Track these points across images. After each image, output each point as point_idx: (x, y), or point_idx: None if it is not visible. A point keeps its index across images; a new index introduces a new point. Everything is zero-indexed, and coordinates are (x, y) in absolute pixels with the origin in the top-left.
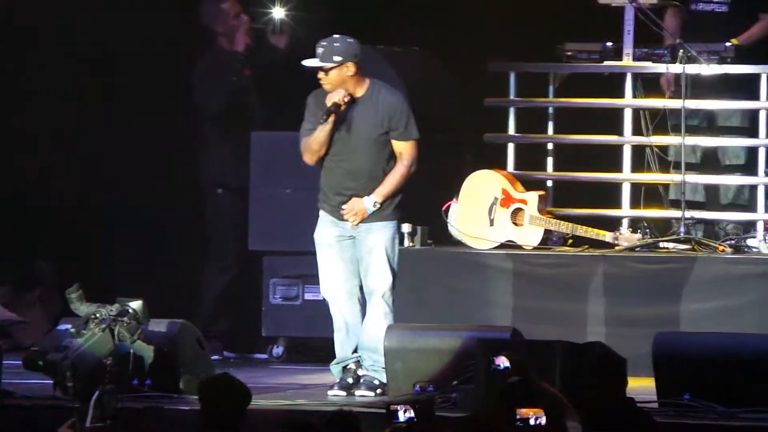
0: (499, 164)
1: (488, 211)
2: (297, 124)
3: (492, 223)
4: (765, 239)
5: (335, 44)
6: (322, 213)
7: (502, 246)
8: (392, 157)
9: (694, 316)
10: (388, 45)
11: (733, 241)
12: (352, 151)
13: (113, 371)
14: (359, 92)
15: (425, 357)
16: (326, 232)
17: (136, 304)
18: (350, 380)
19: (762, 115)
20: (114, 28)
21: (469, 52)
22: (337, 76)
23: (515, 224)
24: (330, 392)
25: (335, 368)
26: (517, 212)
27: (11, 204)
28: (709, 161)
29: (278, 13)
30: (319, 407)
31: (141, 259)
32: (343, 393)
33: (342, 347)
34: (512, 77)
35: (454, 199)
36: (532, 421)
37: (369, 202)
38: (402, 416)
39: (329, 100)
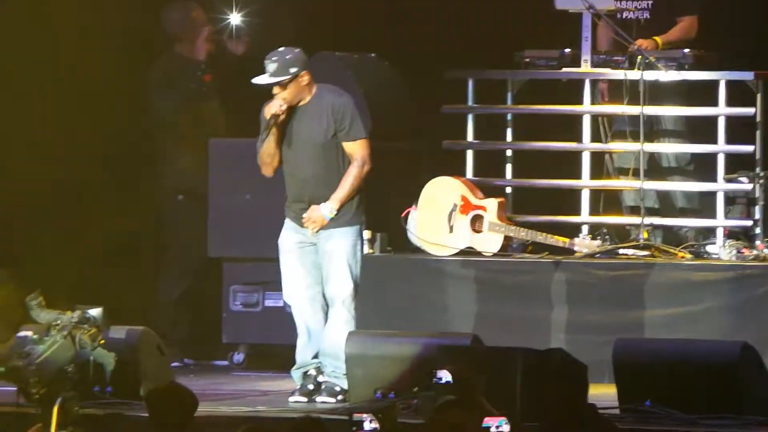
0: (458, 171)
1: (447, 217)
2: (256, 130)
3: (451, 230)
4: (724, 245)
5: (287, 56)
6: (286, 219)
7: (461, 253)
8: (347, 161)
9: (655, 323)
10: (345, 51)
11: (692, 248)
12: (303, 159)
13: (75, 378)
14: (307, 98)
15: (386, 363)
16: (289, 239)
17: (95, 311)
18: (311, 386)
19: (720, 121)
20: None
21: (427, 58)
22: (294, 88)
23: (475, 231)
24: (291, 398)
25: (296, 374)
26: (476, 219)
27: None
28: (650, 165)
29: (235, 19)
30: (281, 414)
31: (99, 265)
32: (305, 399)
33: (303, 353)
34: (470, 84)
35: (413, 206)
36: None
37: (326, 209)
38: (368, 426)
39: (268, 113)
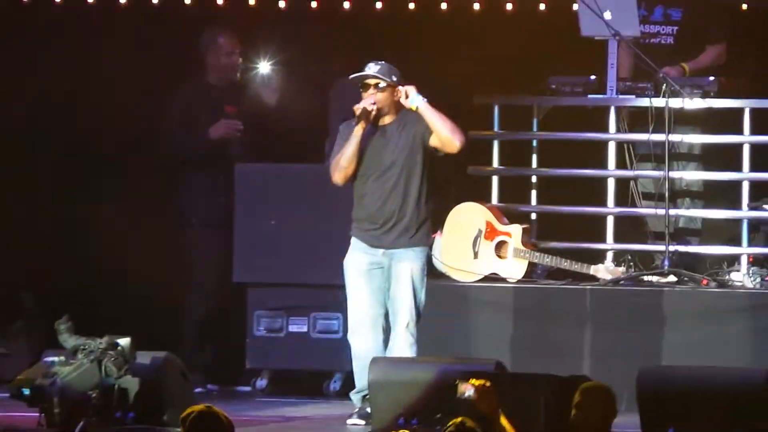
0: (483, 197)
1: (472, 243)
2: (280, 158)
3: (476, 256)
4: (749, 273)
5: (391, 66)
6: (354, 240)
7: (486, 279)
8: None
9: (678, 349)
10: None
11: (716, 275)
12: (381, 180)
13: (98, 404)
14: (391, 118)
15: (409, 389)
16: (358, 260)
17: (124, 341)
18: (369, 409)
19: (745, 148)
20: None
21: (453, 84)
22: (389, 95)
23: (499, 257)
24: (349, 421)
25: (355, 397)
26: (501, 245)
27: None
28: (674, 190)
29: (265, 67)
30: None
31: (124, 291)
32: (362, 422)
33: (362, 376)
34: (496, 110)
35: (438, 232)
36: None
37: (418, 99)
38: None
39: (357, 108)
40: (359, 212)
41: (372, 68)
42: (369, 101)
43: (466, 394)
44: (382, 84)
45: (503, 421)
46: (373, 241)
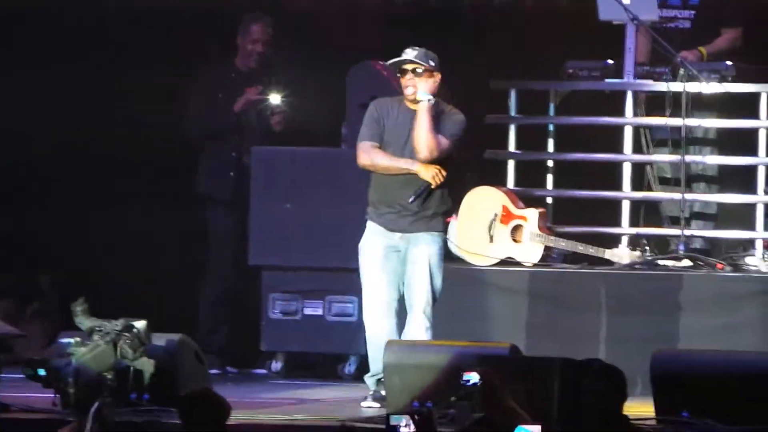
0: (499, 181)
1: (488, 227)
2: (295, 140)
3: (492, 240)
4: (764, 257)
5: (429, 52)
6: (370, 224)
7: (501, 262)
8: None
9: (693, 334)
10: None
11: (731, 259)
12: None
13: (113, 385)
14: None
15: (423, 372)
16: (375, 243)
17: (140, 324)
18: (383, 392)
19: (762, 133)
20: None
21: (470, 68)
22: (427, 79)
23: (515, 241)
24: (363, 403)
25: (370, 380)
26: (517, 229)
27: (13, 218)
28: (690, 175)
29: (275, 98)
30: (317, 422)
31: (140, 273)
32: (377, 405)
33: (376, 359)
34: (513, 94)
35: (454, 216)
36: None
37: (426, 95)
38: (403, 429)
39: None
40: (377, 195)
41: (409, 53)
42: (432, 172)
43: (471, 382)
44: (420, 69)
45: (512, 403)
46: (390, 225)
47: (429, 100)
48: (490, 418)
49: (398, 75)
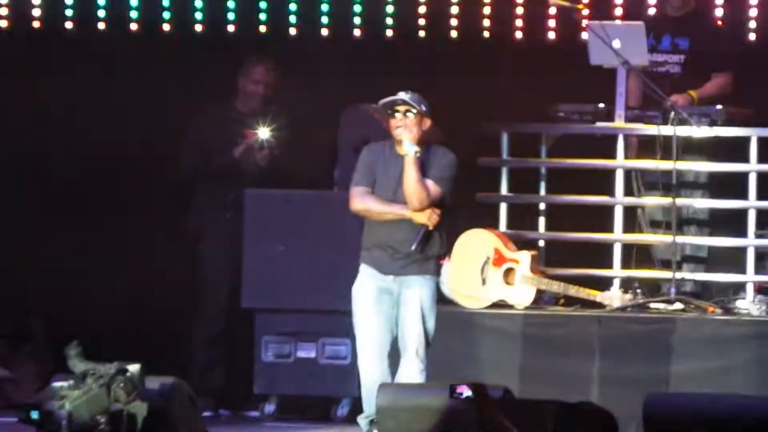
0: (491, 223)
1: (480, 269)
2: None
3: (484, 282)
4: (755, 300)
5: (422, 98)
6: (363, 266)
7: (494, 305)
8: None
9: (685, 376)
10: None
11: (722, 302)
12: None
13: (106, 429)
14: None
15: (416, 415)
16: (368, 285)
17: (133, 367)
18: None
19: (752, 177)
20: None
21: (463, 111)
22: (416, 122)
23: (507, 283)
24: None
25: (363, 422)
26: (509, 271)
27: (7, 260)
28: (680, 218)
29: (264, 133)
30: None
31: (135, 316)
32: None
33: (369, 402)
34: (505, 137)
35: (447, 258)
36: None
37: (413, 149)
38: None
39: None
40: (370, 238)
41: (403, 95)
42: (426, 216)
43: (464, 395)
44: (413, 111)
45: (502, 418)
46: (383, 268)
47: (416, 153)
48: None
49: (389, 114)
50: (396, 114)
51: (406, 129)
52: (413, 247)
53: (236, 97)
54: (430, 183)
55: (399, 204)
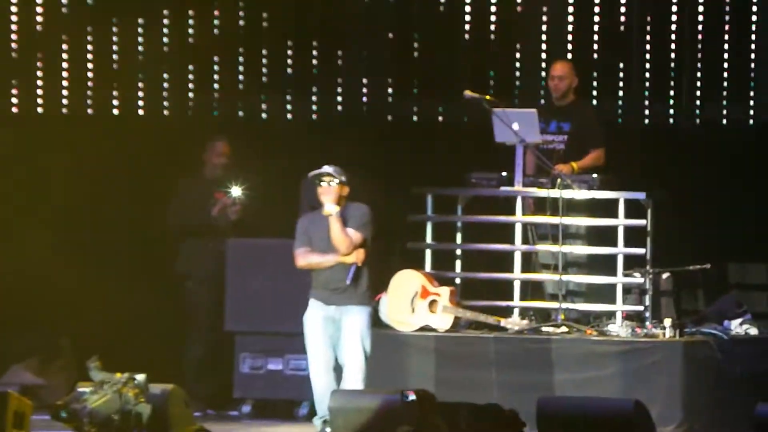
0: (419, 265)
1: (410, 301)
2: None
3: (413, 311)
4: (622, 325)
5: (341, 170)
6: (312, 300)
7: (421, 329)
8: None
9: (569, 384)
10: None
11: (597, 326)
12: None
13: (119, 425)
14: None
15: (362, 415)
16: (315, 315)
17: (140, 377)
18: (328, 430)
19: (620, 230)
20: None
21: (396, 177)
22: (338, 190)
23: (431, 312)
24: None
25: (317, 422)
26: (432, 303)
27: (39, 289)
28: (565, 261)
29: (236, 191)
30: None
31: (140, 336)
32: None
33: (321, 405)
34: (429, 198)
35: (384, 293)
36: None
37: (333, 209)
38: None
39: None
40: (315, 280)
41: (328, 169)
42: (359, 257)
43: (410, 398)
44: (335, 181)
45: (439, 421)
46: (327, 300)
47: (336, 212)
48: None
49: (316, 183)
50: (322, 183)
51: (329, 194)
52: (348, 282)
53: (204, 168)
54: (351, 231)
55: (332, 253)
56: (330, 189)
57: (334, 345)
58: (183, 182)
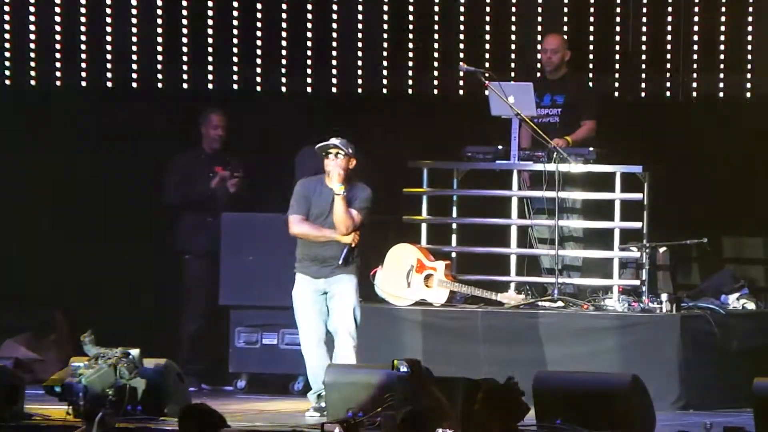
0: (415, 239)
1: (406, 275)
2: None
3: (409, 285)
4: (619, 299)
5: (349, 142)
6: (299, 275)
7: (416, 303)
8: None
9: (565, 358)
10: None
11: (594, 301)
12: (326, 225)
13: (113, 399)
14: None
15: (357, 389)
16: (304, 289)
17: (135, 351)
18: (323, 404)
19: (617, 203)
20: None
21: (393, 152)
22: (345, 162)
23: (427, 286)
24: (307, 413)
25: (312, 396)
26: (428, 277)
27: (32, 264)
28: (562, 236)
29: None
30: (273, 428)
31: (136, 310)
32: (317, 414)
33: (315, 380)
34: (425, 172)
35: (379, 267)
36: None
37: (340, 188)
38: None
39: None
40: (304, 252)
41: (334, 140)
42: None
43: (402, 369)
44: (342, 153)
45: (435, 391)
46: (316, 274)
47: (343, 192)
48: (416, 404)
49: (323, 155)
50: (329, 155)
51: (336, 167)
52: (340, 262)
53: (201, 142)
54: (354, 213)
55: (329, 229)
56: (337, 161)
57: (324, 319)
58: (182, 155)
